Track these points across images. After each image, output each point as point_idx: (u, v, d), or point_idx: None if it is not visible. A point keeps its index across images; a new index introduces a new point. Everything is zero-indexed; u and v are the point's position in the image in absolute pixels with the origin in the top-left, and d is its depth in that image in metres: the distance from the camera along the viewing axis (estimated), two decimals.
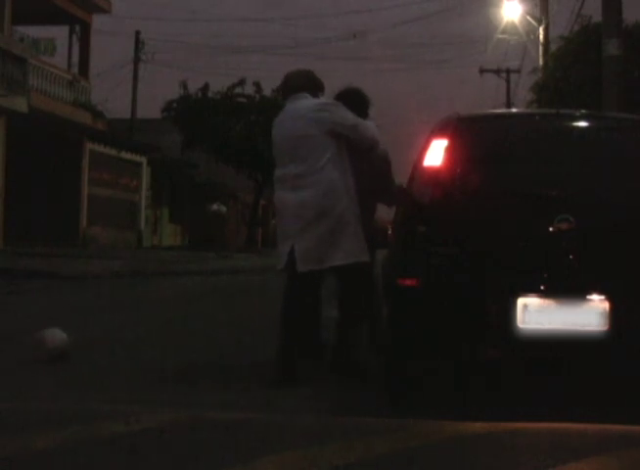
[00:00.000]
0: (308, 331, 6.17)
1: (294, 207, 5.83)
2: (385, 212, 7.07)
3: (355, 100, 6.35)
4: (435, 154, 5.14)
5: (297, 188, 5.81)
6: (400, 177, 6.40)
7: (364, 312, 6.10)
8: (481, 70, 39.09)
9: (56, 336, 6.49)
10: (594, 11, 16.29)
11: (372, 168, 6.22)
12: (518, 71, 36.61)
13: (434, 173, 5.11)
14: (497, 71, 39.26)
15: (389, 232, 6.27)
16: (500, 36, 31.80)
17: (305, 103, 5.97)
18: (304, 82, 6.11)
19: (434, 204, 5.05)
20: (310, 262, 5.78)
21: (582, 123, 5.86)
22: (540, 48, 25.83)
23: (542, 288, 4.80)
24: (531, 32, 27.64)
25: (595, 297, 4.77)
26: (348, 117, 5.96)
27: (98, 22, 30.16)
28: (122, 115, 34.15)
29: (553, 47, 22.81)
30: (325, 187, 5.74)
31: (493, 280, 4.88)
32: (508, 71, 38.81)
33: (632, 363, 4.87)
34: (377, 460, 3.68)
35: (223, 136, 33.98)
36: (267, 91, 34.66)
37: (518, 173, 5.22)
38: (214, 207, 32.21)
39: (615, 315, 4.71)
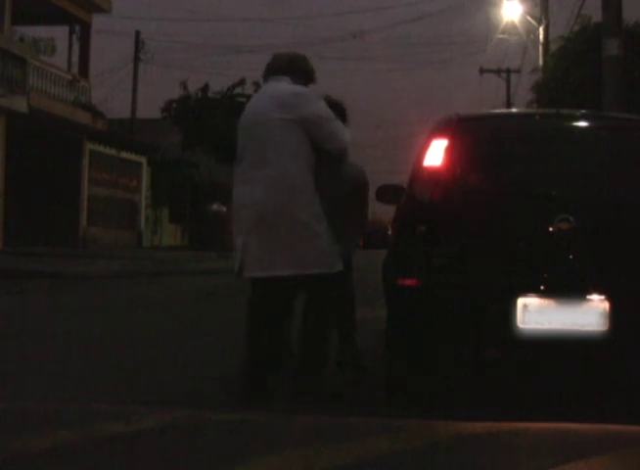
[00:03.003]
0: (275, 344, 5.46)
1: (245, 201, 5.19)
2: (385, 212, 7.09)
3: (334, 111, 5.57)
4: (435, 154, 5.14)
5: (252, 180, 5.17)
6: (400, 177, 6.39)
7: (330, 324, 5.42)
8: (481, 70, 39.08)
9: None
10: (594, 11, 16.31)
11: (342, 185, 5.77)
12: (518, 71, 36.67)
13: (434, 173, 5.11)
14: (497, 71, 39.26)
15: (389, 232, 6.27)
16: (500, 36, 31.90)
17: (284, 87, 5.33)
18: (286, 65, 5.45)
19: (434, 204, 5.05)
20: (255, 268, 5.17)
21: (582, 123, 5.86)
22: (540, 48, 25.86)
23: (542, 288, 4.80)
24: (531, 32, 27.69)
25: (595, 297, 4.77)
26: (328, 110, 5.33)
27: (98, 22, 30.15)
28: (122, 115, 34.17)
29: (553, 47, 22.81)
30: (280, 183, 5.09)
31: (493, 280, 4.88)
32: (508, 71, 38.81)
33: (632, 363, 4.87)
34: (377, 460, 3.68)
35: (223, 136, 33.91)
36: None
37: (518, 173, 5.22)
38: (214, 207, 32.14)
39: (615, 315, 4.71)
